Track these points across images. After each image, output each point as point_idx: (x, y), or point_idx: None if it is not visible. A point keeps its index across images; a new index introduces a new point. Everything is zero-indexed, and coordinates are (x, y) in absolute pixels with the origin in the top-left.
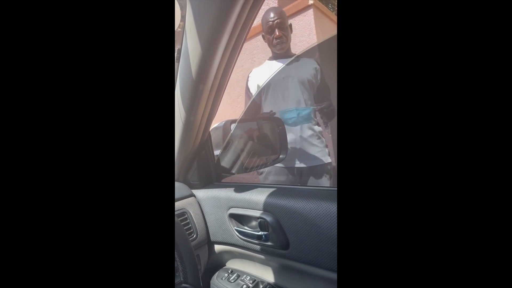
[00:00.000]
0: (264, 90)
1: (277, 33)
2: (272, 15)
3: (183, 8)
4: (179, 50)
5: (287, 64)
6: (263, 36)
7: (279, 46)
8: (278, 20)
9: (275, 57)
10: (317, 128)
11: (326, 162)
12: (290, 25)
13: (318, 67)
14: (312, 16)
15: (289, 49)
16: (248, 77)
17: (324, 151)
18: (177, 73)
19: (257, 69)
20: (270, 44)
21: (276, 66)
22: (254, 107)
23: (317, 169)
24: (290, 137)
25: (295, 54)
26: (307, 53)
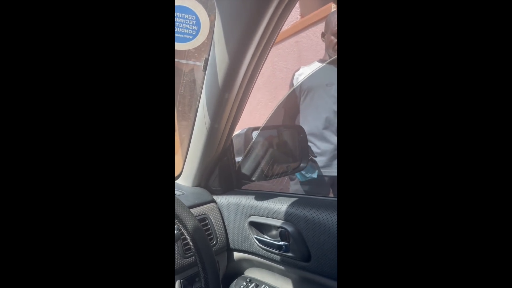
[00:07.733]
0: (304, 92)
1: None
2: None
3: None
4: (206, 60)
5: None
6: (322, 34)
7: None
8: None
9: (330, 59)
10: None
11: None
12: None
13: None
14: None
15: None
16: (293, 74)
17: None
18: (204, 81)
19: (304, 69)
20: (330, 46)
21: (326, 68)
22: (292, 100)
23: None
24: (326, 146)
25: None
26: None
